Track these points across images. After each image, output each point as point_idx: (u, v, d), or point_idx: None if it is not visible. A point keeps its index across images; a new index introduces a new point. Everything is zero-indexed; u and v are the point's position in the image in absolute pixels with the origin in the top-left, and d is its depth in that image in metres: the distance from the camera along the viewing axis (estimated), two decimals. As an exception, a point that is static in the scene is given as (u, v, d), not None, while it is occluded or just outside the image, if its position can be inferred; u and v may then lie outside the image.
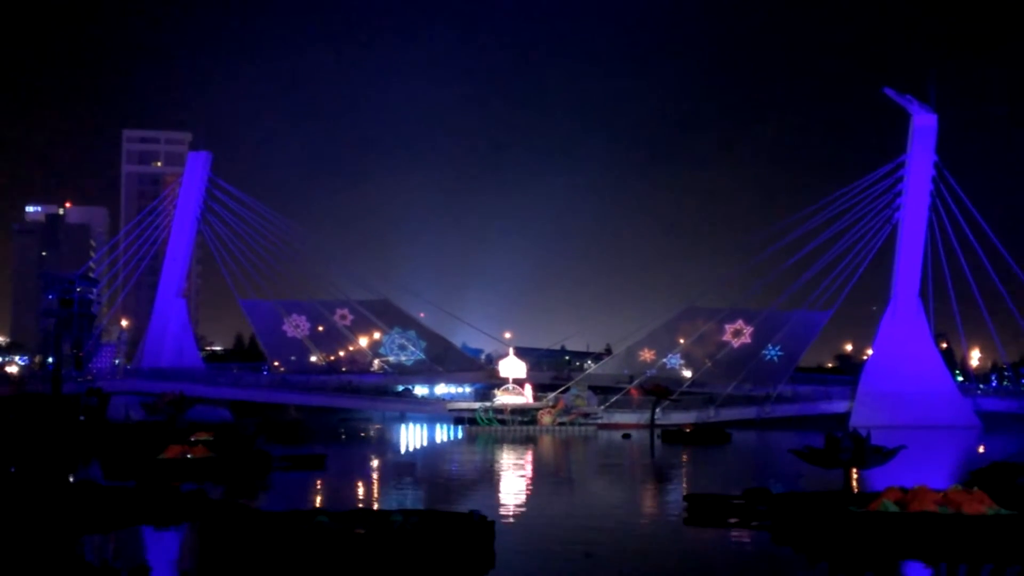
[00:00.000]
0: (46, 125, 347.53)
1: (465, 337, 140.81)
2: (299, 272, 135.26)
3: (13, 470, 44.14)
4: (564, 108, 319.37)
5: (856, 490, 37.22)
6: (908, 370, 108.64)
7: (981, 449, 75.77)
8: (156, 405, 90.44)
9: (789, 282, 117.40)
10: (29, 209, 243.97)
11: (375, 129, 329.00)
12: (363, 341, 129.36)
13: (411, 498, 40.72)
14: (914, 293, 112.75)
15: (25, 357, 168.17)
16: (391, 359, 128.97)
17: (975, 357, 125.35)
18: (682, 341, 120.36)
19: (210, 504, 33.31)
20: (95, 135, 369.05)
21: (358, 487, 46.46)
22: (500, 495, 43.58)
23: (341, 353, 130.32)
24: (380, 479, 51.31)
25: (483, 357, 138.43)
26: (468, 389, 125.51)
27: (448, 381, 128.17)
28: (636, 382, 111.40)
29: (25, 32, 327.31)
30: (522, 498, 43.16)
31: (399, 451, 73.53)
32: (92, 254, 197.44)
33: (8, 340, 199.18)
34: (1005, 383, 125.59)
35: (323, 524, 25.51)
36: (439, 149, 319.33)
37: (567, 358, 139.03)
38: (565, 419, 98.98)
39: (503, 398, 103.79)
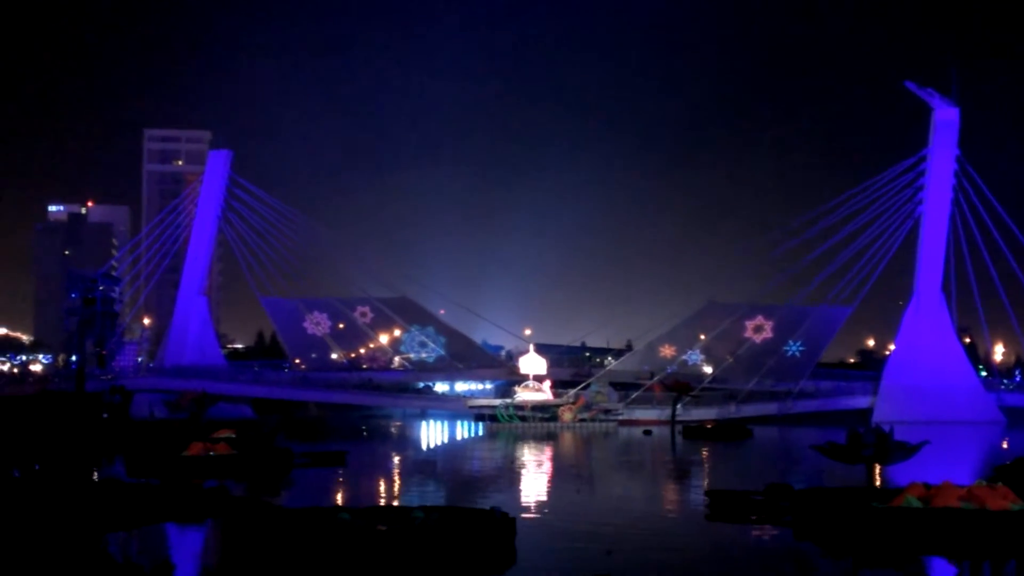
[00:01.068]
0: (68, 125, 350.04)
1: (485, 334, 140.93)
2: (319, 270, 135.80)
3: (38, 468, 44.47)
4: (584, 105, 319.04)
5: (879, 486, 37.06)
6: (931, 365, 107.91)
7: (1005, 444, 75.25)
8: (178, 403, 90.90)
9: (810, 277, 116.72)
10: (52, 208, 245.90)
11: (395, 126, 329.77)
12: (383, 338, 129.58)
13: (432, 495, 40.78)
14: (937, 287, 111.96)
15: (48, 356, 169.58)
16: (412, 356, 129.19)
17: (999, 352, 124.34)
18: (703, 337, 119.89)
19: (232, 501, 33.49)
20: (116, 134, 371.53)
21: (379, 484, 46.57)
22: (521, 492, 43.60)
23: (362, 350, 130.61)
24: (401, 476, 51.43)
25: (503, 354, 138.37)
26: (488, 386, 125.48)
27: (468, 378, 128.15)
28: (657, 378, 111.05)
29: (47, 33, 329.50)
30: (543, 495, 43.18)
31: (420, 448, 73.65)
32: (114, 252, 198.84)
33: (32, 339, 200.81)
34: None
35: (345, 521, 25.59)
36: (459, 146, 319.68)
37: (587, 354, 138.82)
38: (586, 415, 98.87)
39: (523, 395, 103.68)
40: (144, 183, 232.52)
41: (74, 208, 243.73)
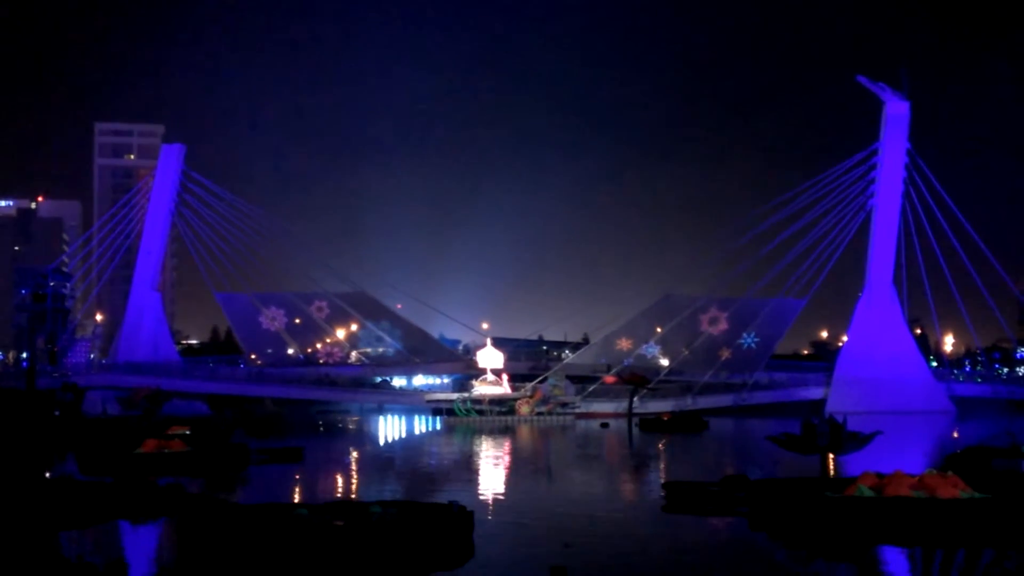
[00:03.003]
0: (16, 118, 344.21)
1: (443, 328, 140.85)
2: (275, 264, 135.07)
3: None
4: (541, 98, 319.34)
5: (832, 476, 37.49)
6: (883, 356, 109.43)
7: (955, 434, 76.46)
8: (132, 399, 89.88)
9: (765, 270, 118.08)
10: (0, 203, 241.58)
11: (351, 119, 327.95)
12: (340, 333, 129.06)
13: (390, 489, 40.68)
14: (888, 279, 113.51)
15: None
16: (369, 351, 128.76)
17: (949, 342, 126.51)
18: (659, 330, 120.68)
19: (187, 498, 33.20)
20: (67, 128, 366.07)
21: (336, 479, 46.38)
22: (479, 486, 43.62)
23: (318, 345, 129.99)
24: (359, 471, 51.26)
25: (461, 348, 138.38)
26: (446, 380, 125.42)
27: (426, 372, 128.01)
28: (614, 371, 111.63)
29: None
30: (501, 488, 43.23)
31: (377, 443, 73.43)
32: (65, 248, 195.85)
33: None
34: (978, 368, 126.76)
35: (302, 517, 25.46)
36: (415, 139, 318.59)
37: (544, 348, 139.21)
38: (543, 409, 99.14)
39: (481, 388, 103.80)
40: (95, 177, 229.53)
41: (23, 203, 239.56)
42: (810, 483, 32.01)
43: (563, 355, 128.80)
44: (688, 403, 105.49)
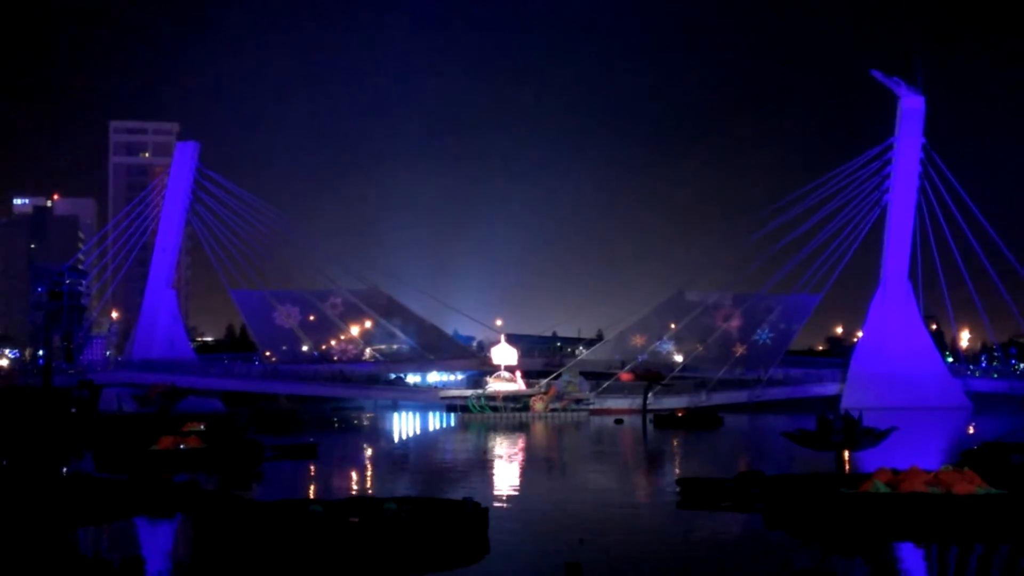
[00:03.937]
0: (33, 117, 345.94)
1: (456, 325, 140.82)
2: (289, 262, 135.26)
3: (5, 463, 43.99)
4: (555, 95, 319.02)
5: (848, 472, 37.37)
6: (898, 352, 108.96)
7: (971, 430, 76.11)
8: (148, 396, 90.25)
9: (780, 265, 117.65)
10: (17, 201, 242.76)
11: (364, 117, 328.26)
12: (354, 330, 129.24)
13: (405, 486, 40.73)
14: (904, 275, 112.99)
15: (15, 350, 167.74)
16: (383, 347, 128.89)
17: (965, 338, 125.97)
18: (673, 326, 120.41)
19: (203, 495, 33.31)
20: (82, 126, 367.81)
21: (351, 476, 46.48)
22: (493, 482, 43.64)
23: (332, 342, 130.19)
24: (373, 467, 51.34)
25: (475, 344, 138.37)
26: (460, 376, 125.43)
27: (440, 369, 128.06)
28: (628, 367, 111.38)
29: (9, 24, 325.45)
30: (516, 485, 43.24)
31: (392, 439, 73.53)
32: (81, 246, 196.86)
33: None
34: (995, 363, 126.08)
35: (317, 513, 25.52)
36: (428, 136, 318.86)
37: (558, 344, 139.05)
38: (557, 405, 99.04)
39: (495, 385, 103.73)
40: (111, 175, 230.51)
41: (39, 201, 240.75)
42: (825, 479, 31.93)
43: (577, 351, 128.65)
44: (703, 399, 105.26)
